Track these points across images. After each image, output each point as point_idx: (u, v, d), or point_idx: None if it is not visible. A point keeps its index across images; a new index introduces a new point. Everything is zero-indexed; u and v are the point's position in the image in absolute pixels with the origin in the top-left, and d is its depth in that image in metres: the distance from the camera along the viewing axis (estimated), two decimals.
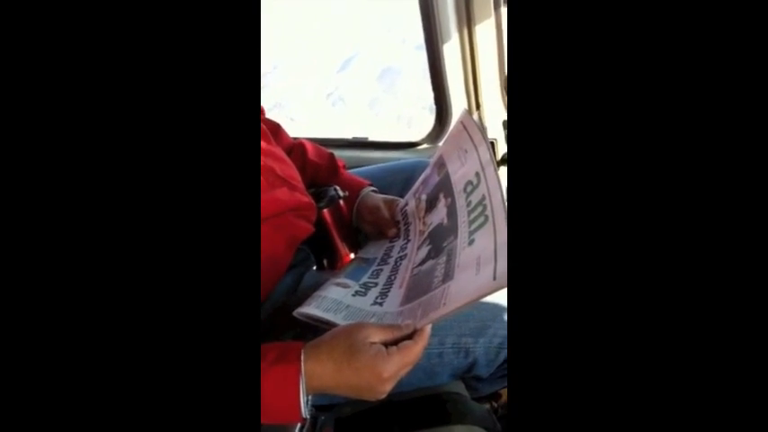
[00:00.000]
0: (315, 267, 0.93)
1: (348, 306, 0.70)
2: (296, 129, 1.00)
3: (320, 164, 0.98)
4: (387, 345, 0.57)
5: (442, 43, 1.19)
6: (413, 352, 0.57)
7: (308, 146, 1.00)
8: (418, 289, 0.66)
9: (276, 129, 0.99)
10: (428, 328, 0.60)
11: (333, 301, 0.71)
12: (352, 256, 0.93)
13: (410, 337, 0.58)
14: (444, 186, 0.78)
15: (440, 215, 0.76)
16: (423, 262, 0.72)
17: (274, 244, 0.80)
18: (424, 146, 1.44)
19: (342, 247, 0.93)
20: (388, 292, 0.72)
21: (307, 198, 0.87)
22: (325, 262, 0.94)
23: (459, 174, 0.74)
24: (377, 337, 0.58)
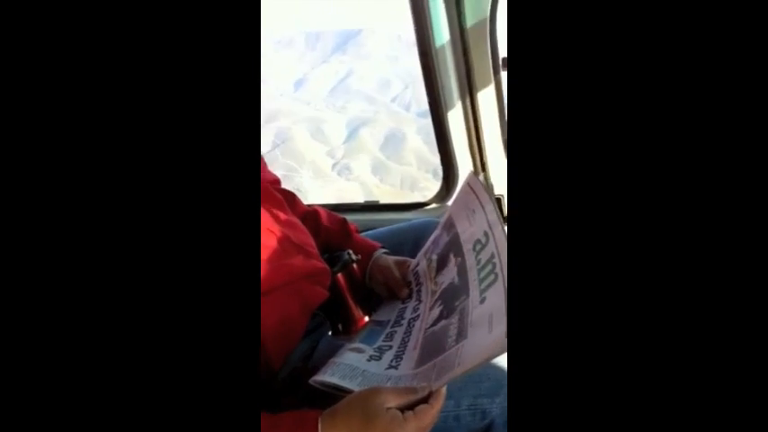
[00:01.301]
0: (330, 332, 0.93)
1: (364, 371, 0.70)
2: (303, 199, 1.05)
3: (333, 229, 1.01)
4: (402, 409, 0.57)
5: (447, 110, 1.25)
6: (429, 415, 0.57)
7: (322, 212, 1.03)
8: (432, 349, 0.67)
9: (291, 198, 1.02)
10: (443, 391, 0.59)
11: (348, 367, 0.71)
12: (366, 319, 0.94)
13: (426, 400, 0.58)
14: (454, 246, 0.79)
15: (450, 274, 0.77)
16: (435, 322, 0.73)
17: (290, 310, 0.81)
18: (433, 206, 1.47)
19: (356, 311, 0.94)
20: (403, 354, 0.72)
21: (321, 264, 0.88)
22: (339, 326, 0.95)
23: (468, 233, 0.76)
24: (392, 401, 0.58)
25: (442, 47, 1.22)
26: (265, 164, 0.98)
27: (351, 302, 0.93)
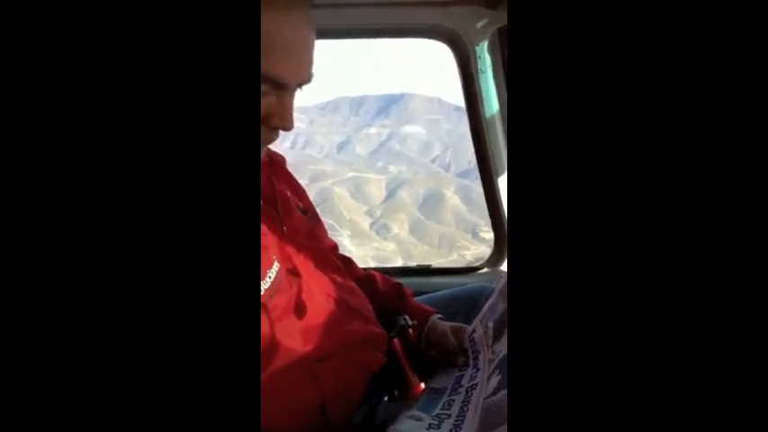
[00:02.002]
0: (386, 398, 0.93)
1: None
2: None
3: (389, 293, 1.02)
4: None
5: (497, 176, 1.27)
6: None
7: (377, 276, 1.05)
8: (493, 420, 0.65)
9: (348, 263, 1.04)
10: None
11: None
12: (422, 385, 0.93)
13: None
14: None
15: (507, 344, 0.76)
16: (495, 392, 0.71)
17: (349, 375, 0.82)
18: (485, 270, 1.47)
19: (412, 377, 0.93)
20: (462, 423, 0.71)
21: (379, 329, 0.89)
22: (396, 392, 0.94)
23: None
24: None
25: (492, 116, 1.26)
26: (326, 231, 1.01)
27: (407, 368, 0.92)
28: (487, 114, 1.24)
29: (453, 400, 0.79)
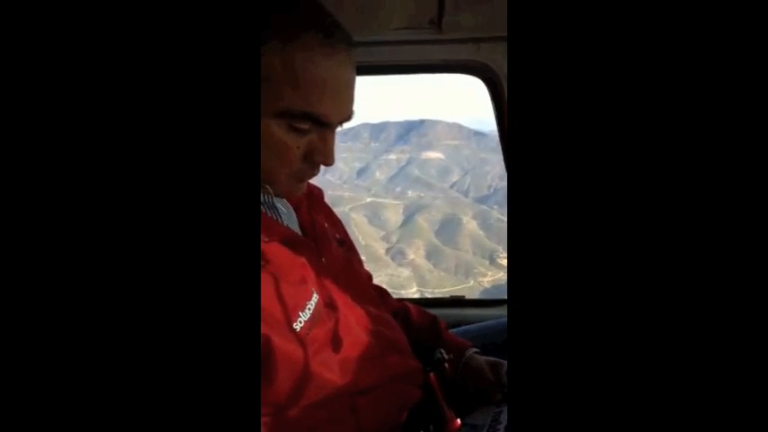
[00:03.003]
0: None
1: None
2: None
3: (424, 326, 1.01)
4: None
5: None
6: None
7: (412, 308, 1.05)
8: None
9: (383, 293, 1.05)
10: None
11: None
12: (459, 421, 0.91)
13: None
14: None
15: None
16: None
17: (385, 411, 0.81)
18: None
19: (448, 413, 0.92)
20: None
21: (415, 362, 0.89)
22: (432, 428, 0.92)
23: None
24: None
25: None
26: (361, 261, 1.02)
27: (443, 403, 0.91)
28: None
29: None
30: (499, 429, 0.79)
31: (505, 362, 0.93)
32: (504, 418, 0.82)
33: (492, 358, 0.95)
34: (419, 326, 1.01)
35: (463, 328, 1.14)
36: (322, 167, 0.74)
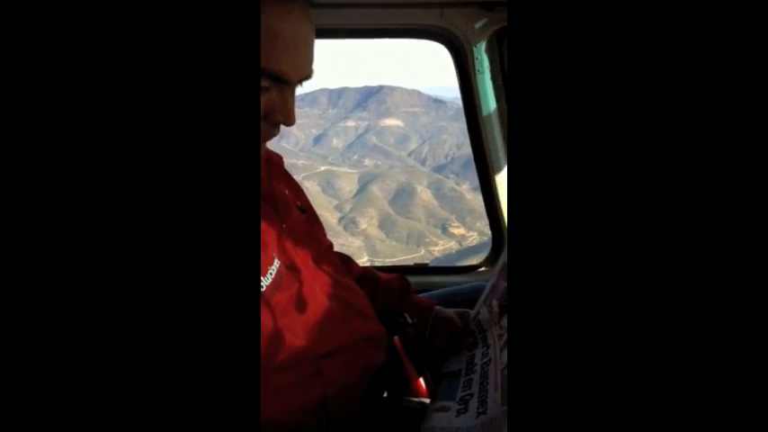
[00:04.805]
0: (385, 394, 0.94)
1: (458, 429, 0.71)
2: None
3: (393, 288, 1.03)
4: None
5: (495, 175, 1.29)
6: None
7: (379, 274, 1.06)
8: None
9: (347, 261, 1.05)
10: None
11: (441, 430, 0.72)
12: (421, 380, 0.94)
13: None
14: None
15: None
16: None
17: (350, 373, 0.82)
18: (484, 269, 1.49)
19: (412, 374, 0.94)
20: (486, 397, 0.73)
21: (379, 326, 0.90)
22: (396, 389, 0.95)
23: None
24: None
25: (489, 115, 1.28)
26: (324, 230, 1.02)
27: (407, 365, 0.94)
28: (485, 113, 1.26)
29: (471, 379, 0.81)
30: (476, 370, 0.82)
31: (471, 311, 0.97)
32: (478, 359, 0.85)
33: (459, 309, 0.99)
34: (388, 288, 1.03)
35: (428, 293, 1.16)
36: (278, 138, 0.73)
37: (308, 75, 0.70)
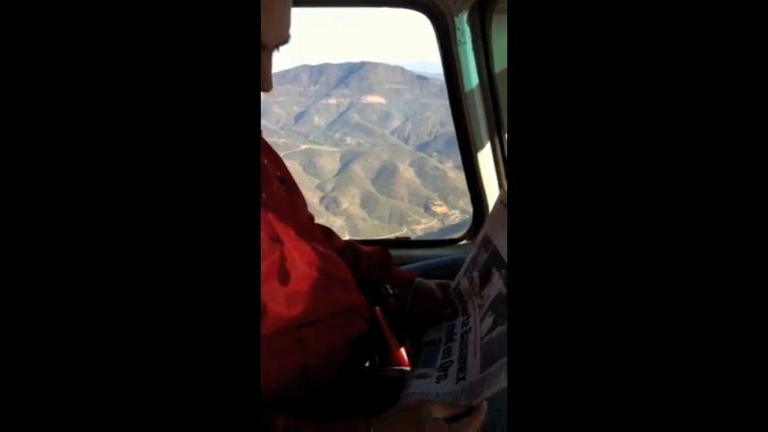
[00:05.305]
0: (367, 364, 0.95)
1: (438, 395, 0.72)
2: None
3: (374, 260, 1.03)
4: (448, 420, 0.64)
5: (477, 151, 1.29)
6: (470, 427, 0.63)
7: (359, 245, 1.06)
8: (494, 356, 0.69)
9: (328, 233, 1.05)
10: (484, 405, 0.64)
11: (422, 395, 0.73)
12: (402, 350, 0.95)
13: (469, 413, 0.64)
14: (495, 260, 0.83)
15: (497, 286, 0.81)
16: (491, 330, 0.75)
17: (331, 342, 0.83)
18: (464, 242, 1.50)
19: (393, 343, 0.95)
20: (465, 364, 0.75)
21: (360, 297, 0.91)
22: (377, 358, 0.96)
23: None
24: (439, 413, 0.63)
25: (471, 88, 1.27)
26: (305, 201, 1.01)
27: (388, 334, 0.94)
28: (466, 86, 1.26)
29: (451, 347, 0.83)
30: (456, 339, 0.84)
31: (451, 282, 0.98)
32: (458, 328, 0.86)
33: (440, 281, 1.00)
34: (369, 260, 1.03)
35: (408, 266, 1.17)
36: None
37: (285, 39, 0.70)
